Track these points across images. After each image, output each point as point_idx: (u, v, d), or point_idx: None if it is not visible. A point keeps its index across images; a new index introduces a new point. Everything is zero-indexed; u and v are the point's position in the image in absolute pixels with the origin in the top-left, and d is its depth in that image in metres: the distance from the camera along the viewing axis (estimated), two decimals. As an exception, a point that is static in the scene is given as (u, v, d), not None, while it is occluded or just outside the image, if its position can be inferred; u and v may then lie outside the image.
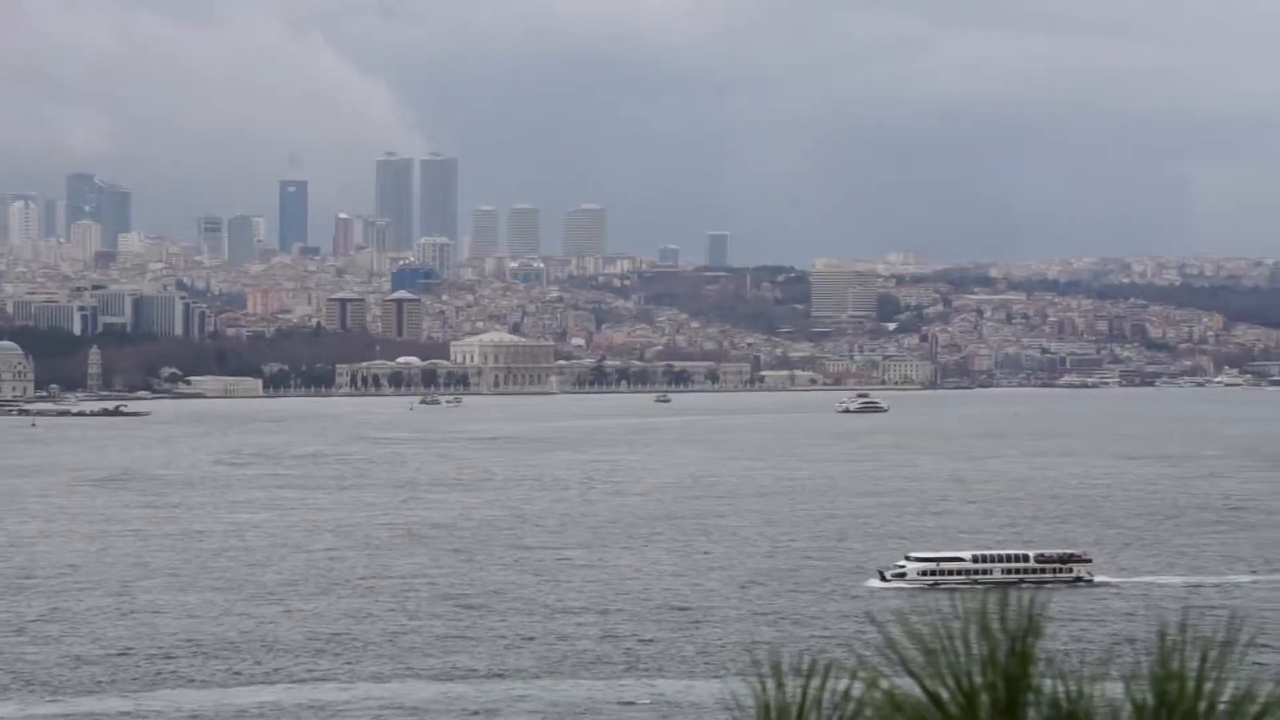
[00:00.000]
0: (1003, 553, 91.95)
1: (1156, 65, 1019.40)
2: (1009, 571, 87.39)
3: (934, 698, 2.23)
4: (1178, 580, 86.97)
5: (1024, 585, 79.73)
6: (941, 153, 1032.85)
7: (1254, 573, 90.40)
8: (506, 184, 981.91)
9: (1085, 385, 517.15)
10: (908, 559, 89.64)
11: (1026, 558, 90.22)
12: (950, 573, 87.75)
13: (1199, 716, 2.23)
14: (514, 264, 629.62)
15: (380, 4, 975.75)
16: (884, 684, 2.21)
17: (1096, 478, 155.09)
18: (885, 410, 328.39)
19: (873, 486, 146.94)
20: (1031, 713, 2.25)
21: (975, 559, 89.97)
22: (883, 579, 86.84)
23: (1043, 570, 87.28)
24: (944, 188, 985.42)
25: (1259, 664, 52.74)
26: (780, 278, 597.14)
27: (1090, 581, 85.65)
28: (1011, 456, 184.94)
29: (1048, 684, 2.16)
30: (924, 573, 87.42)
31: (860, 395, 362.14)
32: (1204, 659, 2.18)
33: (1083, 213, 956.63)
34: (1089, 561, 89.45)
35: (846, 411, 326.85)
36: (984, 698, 2.23)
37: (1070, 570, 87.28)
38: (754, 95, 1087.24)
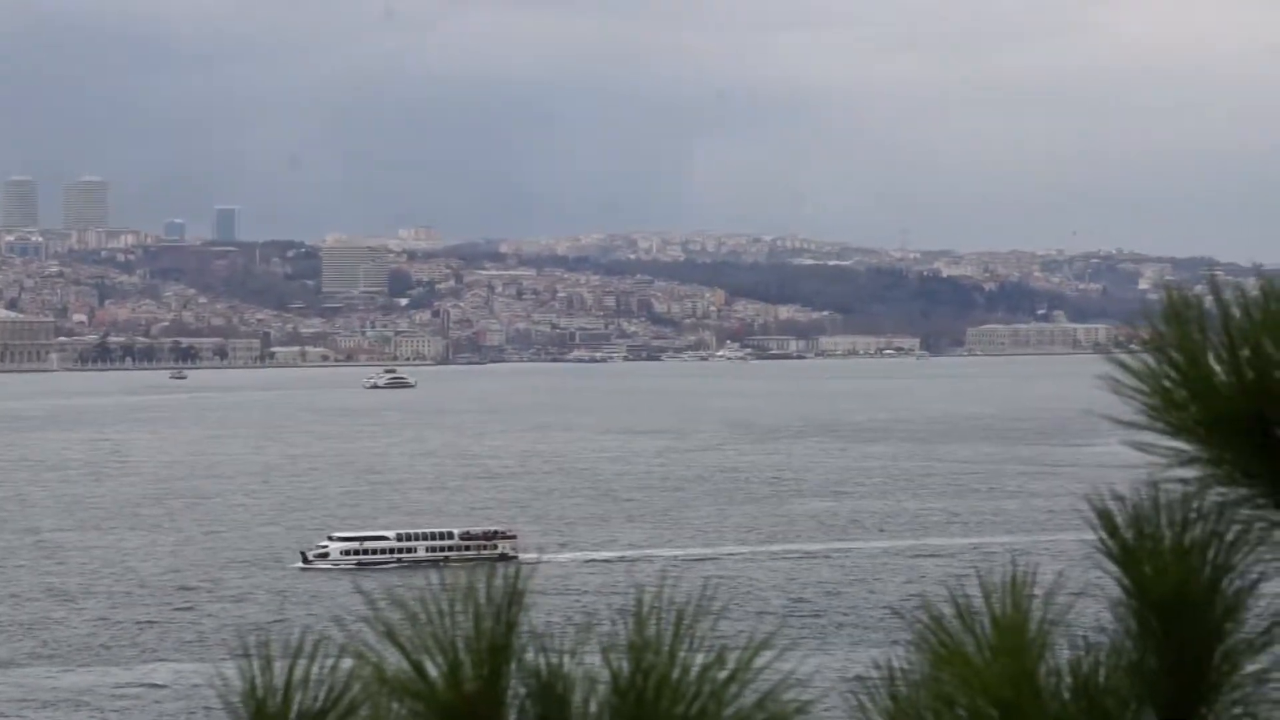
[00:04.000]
0: (427, 530, 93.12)
1: (656, 44, 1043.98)
2: (434, 550, 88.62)
3: (419, 670, 2.26)
4: (602, 555, 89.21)
5: (449, 563, 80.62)
6: (451, 128, 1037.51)
7: (705, 546, 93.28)
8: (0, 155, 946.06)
9: (594, 360, 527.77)
10: (330, 539, 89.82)
11: (451, 535, 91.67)
12: (374, 552, 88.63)
13: (672, 683, 2.30)
14: (10, 237, 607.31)
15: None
16: (371, 659, 2.21)
17: (597, 451, 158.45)
18: (413, 386, 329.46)
19: (379, 464, 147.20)
20: (513, 682, 2.28)
21: (399, 537, 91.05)
22: (305, 560, 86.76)
23: (467, 547, 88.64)
24: (454, 163, 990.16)
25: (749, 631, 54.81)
26: (290, 253, 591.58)
27: (514, 559, 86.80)
28: (519, 431, 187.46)
29: (530, 655, 2.30)
30: (346, 552, 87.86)
31: (388, 371, 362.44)
32: (677, 626, 2.26)
33: (590, 189, 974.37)
34: (514, 538, 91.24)
35: (375, 387, 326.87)
36: (467, 668, 2.26)
37: (495, 547, 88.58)
38: (262, 67, 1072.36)
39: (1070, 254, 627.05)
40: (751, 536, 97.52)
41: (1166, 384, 2.57)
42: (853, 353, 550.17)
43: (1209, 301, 2.54)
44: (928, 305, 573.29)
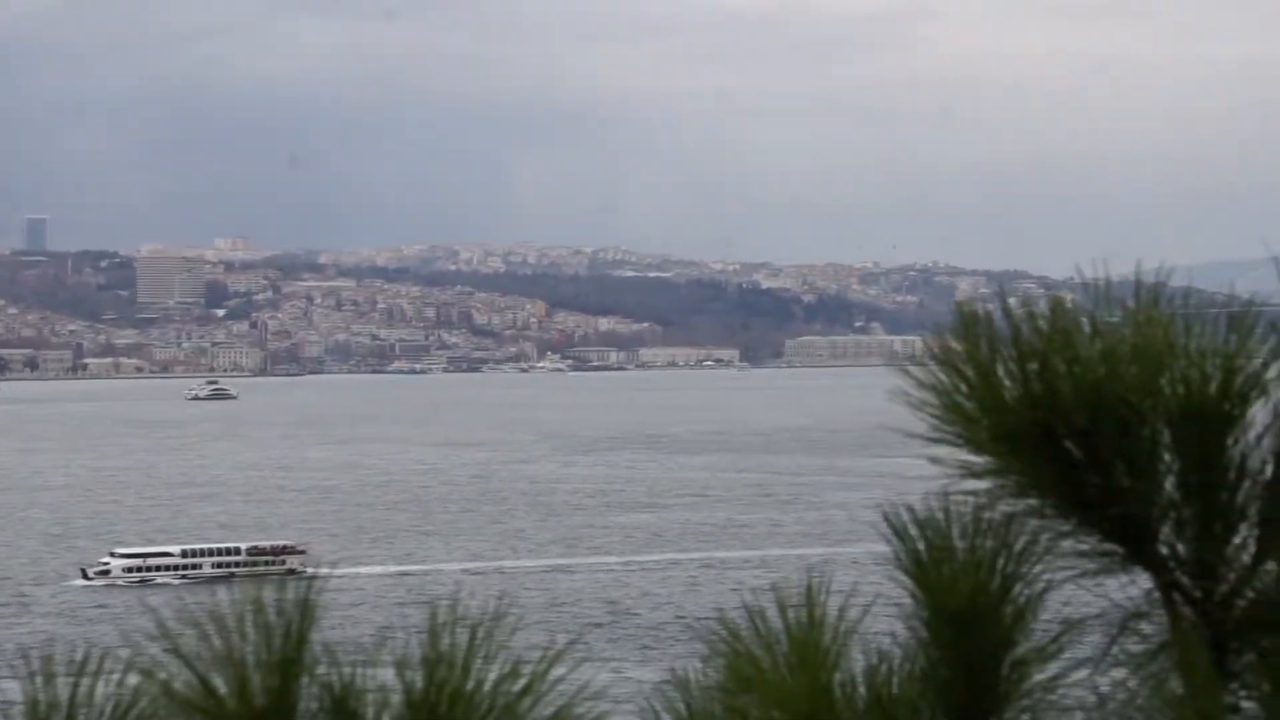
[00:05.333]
0: (213, 546, 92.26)
1: (478, 54, 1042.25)
2: (220, 566, 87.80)
3: (207, 685, 2.23)
4: (392, 570, 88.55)
5: (236, 579, 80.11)
6: (269, 136, 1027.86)
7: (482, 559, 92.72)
8: None
9: (414, 371, 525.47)
10: (113, 555, 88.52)
11: (238, 550, 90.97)
12: (158, 568, 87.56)
13: (466, 696, 2.30)
14: None
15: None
16: (159, 675, 2.16)
17: (415, 464, 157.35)
18: (235, 397, 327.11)
19: (195, 476, 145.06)
20: (305, 696, 2.25)
21: (184, 554, 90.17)
22: (86, 577, 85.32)
23: (255, 563, 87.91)
24: (272, 173, 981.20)
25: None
26: (104, 263, 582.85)
27: (302, 574, 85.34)
28: (337, 444, 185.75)
29: (322, 669, 2.22)
30: (129, 569, 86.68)
31: (210, 383, 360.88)
32: (472, 640, 2.26)
33: (412, 200, 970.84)
34: (303, 553, 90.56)
35: (196, 399, 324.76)
36: (257, 683, 2.25)
37: (283, 562, 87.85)
38: (72, 75, 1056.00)
39: (887, 267, 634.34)
40: (571, 549, 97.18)
41: (957, 398, 2.64)
42: (673, 364, 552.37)
43: (1001, 315, 2.69)
44: (747, 317, 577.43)
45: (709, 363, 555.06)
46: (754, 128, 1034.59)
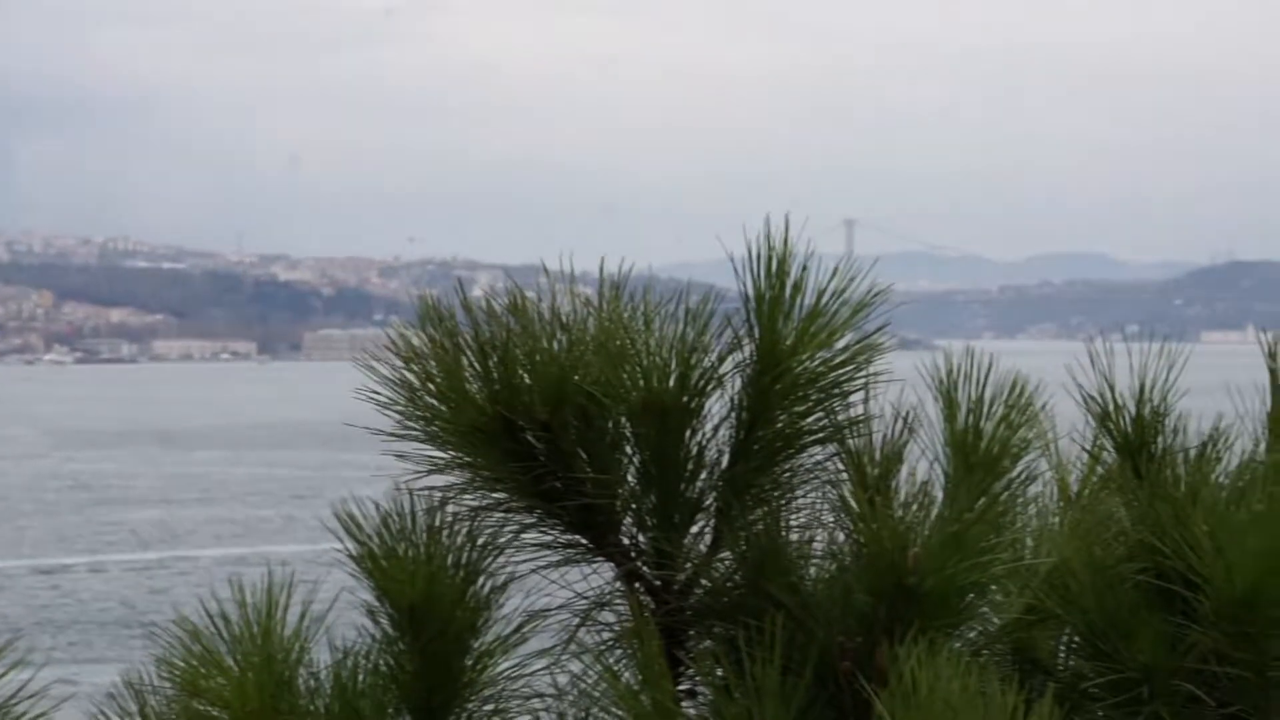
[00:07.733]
0: None
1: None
2: None
3: None
4: None
5: None
6: None
7: None
8: None
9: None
10: None
11: None
12: None
13: None
14: None
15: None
16: None
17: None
18: None
19: None
20: None
21: None
22: None
23: None
24: None
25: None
26: None
27: None
28: None
29: None
30: None
31: None
32: None
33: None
34: None
35: None
36: None
37: None
38: None
39: (407, 260, 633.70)
40: (66, 545, 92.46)
41: (421, 393, 2.62)
42: (188, 357, 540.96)
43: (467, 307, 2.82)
44: (265, 310, 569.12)
45: (225, 355, 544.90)
46: (270, 119, 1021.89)
